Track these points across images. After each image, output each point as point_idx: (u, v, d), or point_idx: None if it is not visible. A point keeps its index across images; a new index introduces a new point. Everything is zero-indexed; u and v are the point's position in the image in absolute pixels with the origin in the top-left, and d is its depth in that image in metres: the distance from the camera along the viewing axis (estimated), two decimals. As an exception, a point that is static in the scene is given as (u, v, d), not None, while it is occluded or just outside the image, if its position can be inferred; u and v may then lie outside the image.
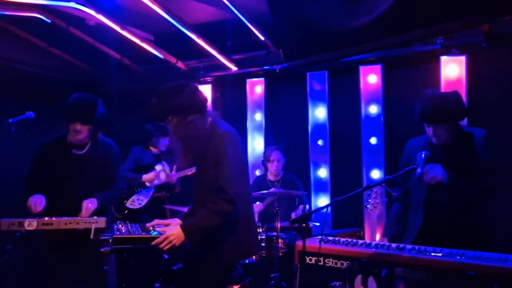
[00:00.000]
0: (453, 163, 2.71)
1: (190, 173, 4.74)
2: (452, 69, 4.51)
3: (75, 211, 3.15)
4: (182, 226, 2.45)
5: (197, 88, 2.61)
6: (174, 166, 4.77)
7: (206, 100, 2.63)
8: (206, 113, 2.62)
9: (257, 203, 4.76)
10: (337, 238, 2.66)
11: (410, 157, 2.98)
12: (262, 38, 4.99)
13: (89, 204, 3.19)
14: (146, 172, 4.75)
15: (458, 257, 2.16)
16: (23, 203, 3.13)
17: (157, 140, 4.88)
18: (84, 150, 3.32)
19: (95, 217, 3.09)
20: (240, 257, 2.78)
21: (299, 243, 2.47)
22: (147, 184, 4.76)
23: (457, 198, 2.70)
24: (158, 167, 4.73)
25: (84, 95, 3.25)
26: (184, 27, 4.85)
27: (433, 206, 2.77)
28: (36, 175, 3.30)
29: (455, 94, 2.80)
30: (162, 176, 4.72)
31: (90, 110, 3.19)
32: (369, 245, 2.49)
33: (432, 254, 2.24)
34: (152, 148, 4.95)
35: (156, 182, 4.76)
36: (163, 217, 4.25)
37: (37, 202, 3.07)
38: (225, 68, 5.81)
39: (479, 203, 2.76)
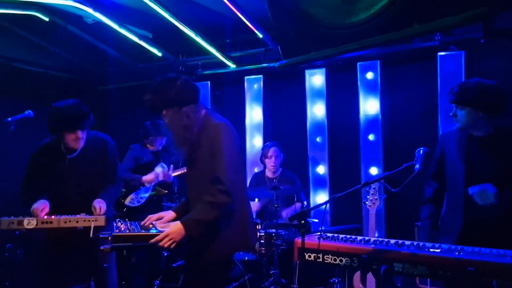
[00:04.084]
0: (492, 158, 2.64)
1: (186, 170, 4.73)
2: (450, 65, 4.52)
3: (75, 211, 3.13)
4: (181, 222, 2.45)
5: (188, 79, 2.63)
6: (171, 166, 4.78)
7: (198, 90, 2.64)
8: (200, 104, 2.64)
9: (255, 201, 4.76)
10: (336, 235, 2.66)
11: (444, 152, 2.88)
12: (261, 35, 4.98)
13: (101, 205, 3.17)
14: (146, 171, 4.74)
15: (457, 253, 2.17)
16: (23, 203, 3.11)
17: (154, 139, 4.84)
18: (76, 153, 3.25)
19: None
20: (237, 249, 2.78)
21: (298, 239, 2.47)
22: (147, 184, 4.75)
23: (503, 198, 2.56)
24: (158, 169, 4.70)
25: (68, 102, 3.15)
26: (182, 25, 4.84)
27: (474, 208, 2.64)
28: (33, 176, 3.27)
29: (487, 83, 2.68)
30: (160, 176, 4.71)
31: (85, 114, 3.13)
32: (368, 241, 2.50)
33: (431, 250, 2.24)
34: (149, 146, 4.95)
35: (155, 182, 4.76)
36: None
37: (41, 207, 3.05)
38: (224, 65, 5.82)
39: None
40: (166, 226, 2.50)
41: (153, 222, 2.71)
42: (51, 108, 3.12)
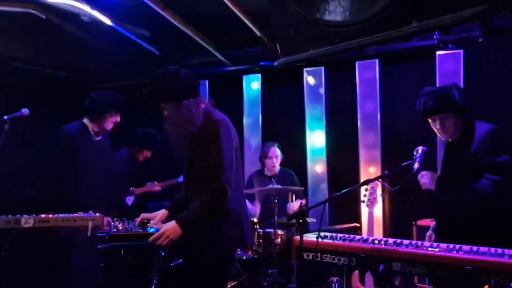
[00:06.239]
0: (462, 158, 2.67)
1: (172, 183, 4.75)
2: (449, 64, 4.51)
3: (108, 205, 3.16)
4: (177, 221, 2.44)
5: (189, 72, 2.58)
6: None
7: (198, 84, 2.62)
8: (200, 98, 2.61)
9: (256, 203, 4.74)
10: (334, 234, 2.66)
11: None
12: (259, 34, 4.97)
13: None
14: (133, 182, 4.54)
15: (455, 252, 2.16)
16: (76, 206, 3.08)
17: (141, 150, 4.60)
18: (100, 137, 3.47)
19: (92, 213, 3.08)
20: (234, 248, 2.76)
21: (297, 239, 2.47)
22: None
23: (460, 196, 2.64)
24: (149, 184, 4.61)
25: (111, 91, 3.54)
26: (180, 24, 4.82)
27: (440, 206, 2.73)
28: (74, 169, 3.27)
29: (456, 85, 2.74)
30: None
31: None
32: (366, 240, 2.49)
33: (429, 249, 2.24)
34: (136, 155, 4.64)
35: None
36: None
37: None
38: (222, 64, 5.80)
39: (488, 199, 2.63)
40: (163, 226, 2.50)
41: (145, 220, 2.71)
42: (101, 91, 3.53)
